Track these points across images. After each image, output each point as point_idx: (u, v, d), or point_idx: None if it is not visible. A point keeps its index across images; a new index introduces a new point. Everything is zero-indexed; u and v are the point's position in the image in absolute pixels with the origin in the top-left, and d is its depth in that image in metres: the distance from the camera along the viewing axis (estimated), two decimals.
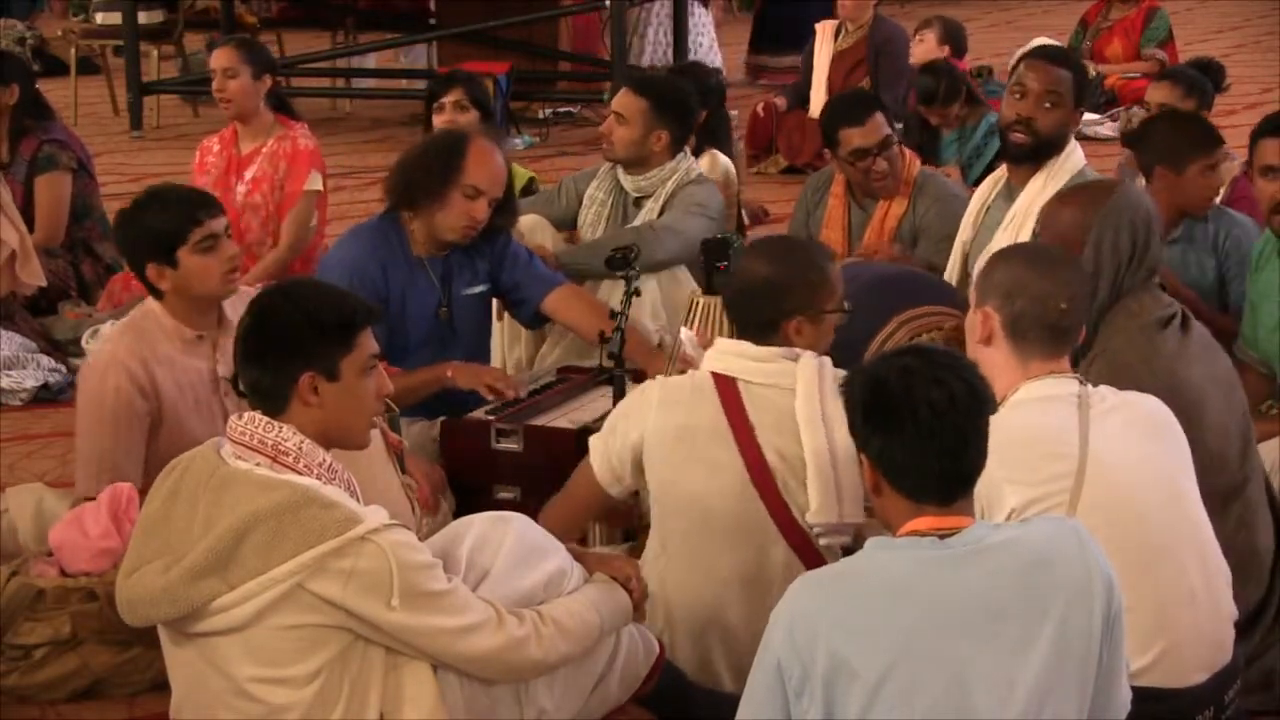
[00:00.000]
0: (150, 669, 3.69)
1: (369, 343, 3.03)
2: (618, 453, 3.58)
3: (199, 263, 3.94)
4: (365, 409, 3.06)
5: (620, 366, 4.26)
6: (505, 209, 4.63)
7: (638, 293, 4.42)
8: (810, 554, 3.44)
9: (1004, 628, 2.49)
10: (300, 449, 2.93)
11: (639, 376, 4.42)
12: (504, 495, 4.17)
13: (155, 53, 11.19)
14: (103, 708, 3.74)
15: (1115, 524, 2.98)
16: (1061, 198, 3.77)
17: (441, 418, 4.42)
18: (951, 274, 4.94)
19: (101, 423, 3.95)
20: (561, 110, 10.79)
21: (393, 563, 2.83)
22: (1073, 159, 4.78)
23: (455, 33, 10.58)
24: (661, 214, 5.28)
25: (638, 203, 5.40)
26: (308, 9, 13.64)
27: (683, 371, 3.81)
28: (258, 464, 2.91)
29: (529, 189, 5.91)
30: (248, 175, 6.12)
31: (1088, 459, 3.08)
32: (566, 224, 5.53)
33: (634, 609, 3.29)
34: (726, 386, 3.49)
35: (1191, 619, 3.09)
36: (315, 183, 6.12)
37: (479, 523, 3.22)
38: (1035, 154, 4.77)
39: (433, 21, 11.78)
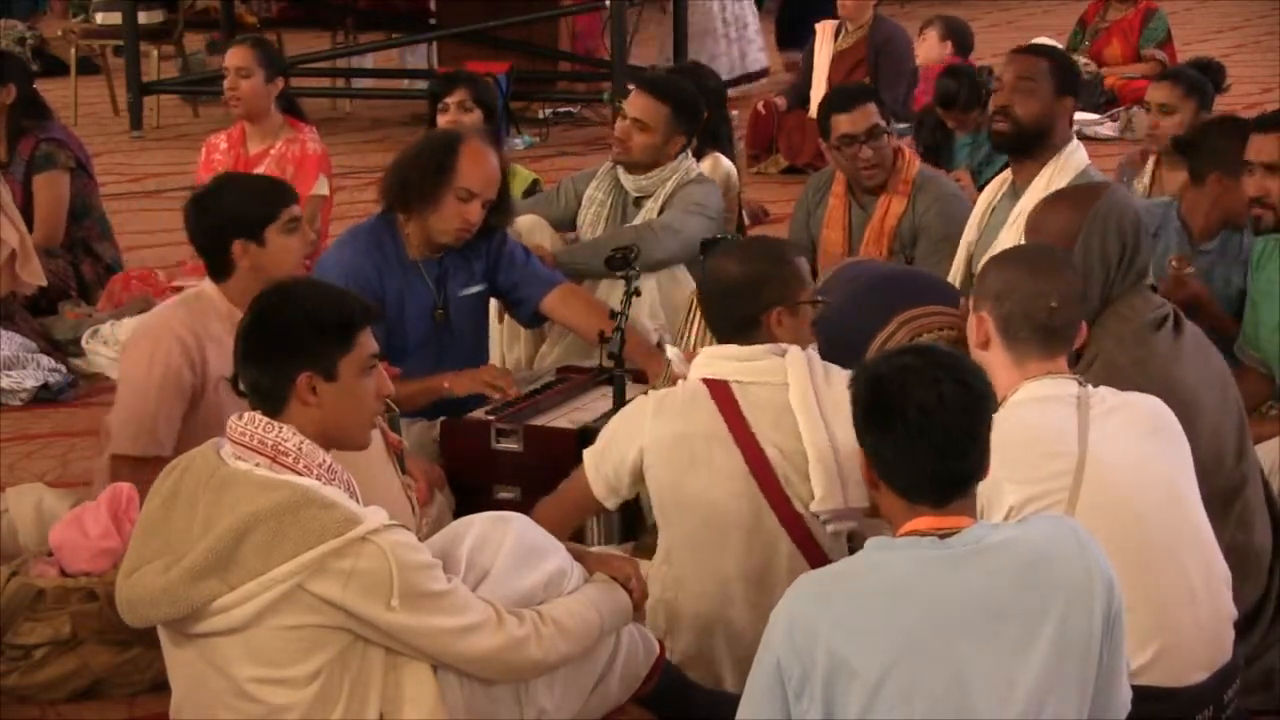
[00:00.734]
0: (150, 669, 3.69)
1: (368, 343, 3.03)
2: (615, 468, 3.58)
3: (283, 243, 4.01)
4: (365, 409, 3.05)
5: (620, 366, 4.26)
6: (501, 209, 4.61)
7: (638, 292, 4.42)
8: (814, 550, 3.45)
9: (1004, 627, 2.49)
10: (300, 449, 2.92)
11: (639, 376, 4.43)
12: (504, 495, 4.18)
13: (155, 53, 11.19)
14: (103, 708, 3.74)
15: (1114, 523, 2.98)
16: (1048, 203, 3.75)
17: (441, 418, 4.42)
18: (955, 275, 4.94)
19: (149, 385, 3.97)
20: (561, 110, 10.79)
21: (393, 563, 2.83)
22: (1075, 157, 4.78)
23: (455, 33, 10.59)
24: (661, 214, 5.29)
25: (638, 202, 5.39)
26: (308, 9, 13.64)
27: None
28: (257, 464, 2.91)
29: (531, 191, 5.91)
30: None
31: (1087, 458, 3.08)
32: (565, 225, 5.52)
33: (634, 609, 3.29)
34: (720, 390, 3.50)
35: (1191, 618, 3.09)
36: (322, 187, 6.12)
37: (479, 523, 3.22)
38: (1019, 143, 4.78)
39: (433, 21, 11.78)
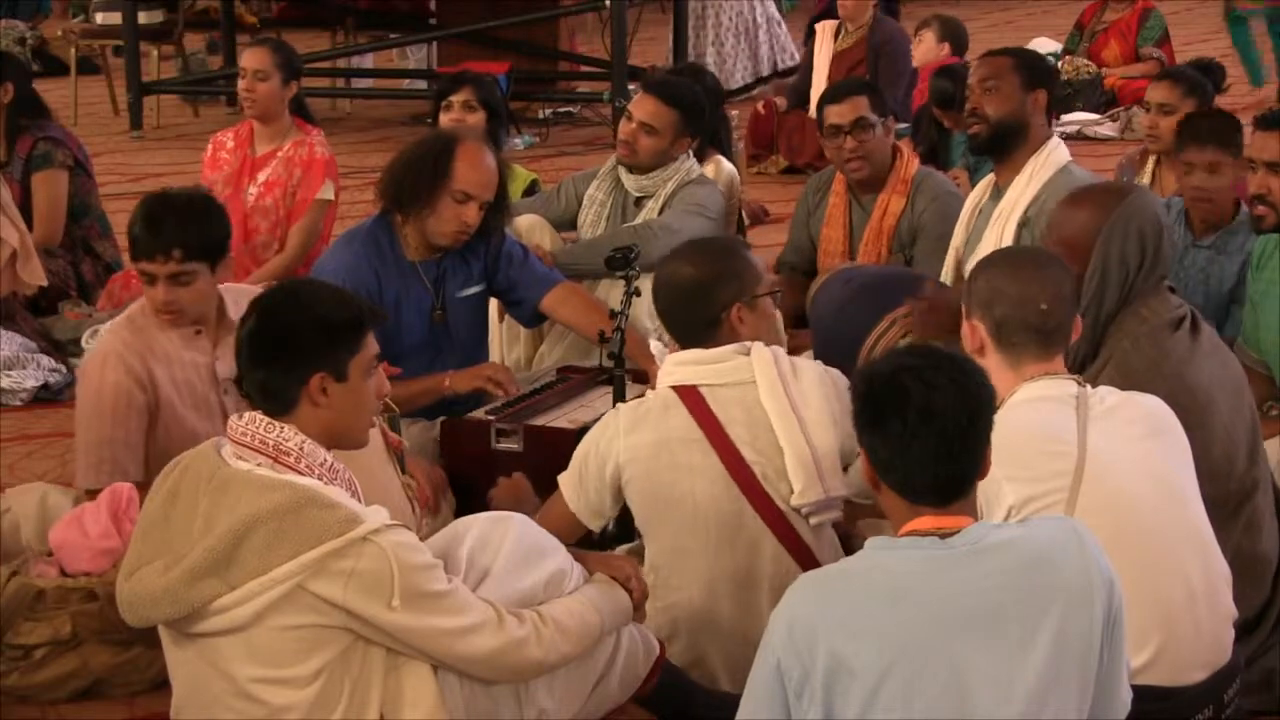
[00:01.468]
0: (150, 669, 3.69)
1: (372, 343, 3.04)
2: (595, 489, 3.58)
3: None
4: (367, 409, 3.07)
5: (620, 366, 4.26)
6: (498, 209, 4.60)
7: (638, 292, 4.43)
8: (798, 545, 3.47)
9: (1004, 628, 2.49)
10: (302, 449, 2.93)
11: (639, 376, 4.43)
12: None
13: (155, 53, 11.19)
14: (103, 708, 3.74)
15: (1114, 522, 2.97)
16: (1072, 201, 3.72)
17: (441, 418, 4.42)
18: (945, 277, 4.95)
19: (100, 414, 3.96)
20: (561, 110, 10.78)
21: (393, 563, 2.83)
22: (1055, 155, 4.79)
23: (455, 33, 10.59)
24: (661, 214, 5.29)
25: (638, 203, 5.40)
26: (308, 9, 13.61)
27: None
28: (258, 464, 2.91)
29: (530, 191, 5.91)
30: (260, 178, 6.10)
31: (1086, 457, 3.08)
32: (565, 225, 5.53)
33: (634, 609, 3.29)
34: (690, 396, 3.51)
35: (1190, 617, 3.09)
36: (328, 192, 6.10)
37: (479, 523, 3.22)
38: (995, 143, 4.81)
39: (433, 21, 11.78)
